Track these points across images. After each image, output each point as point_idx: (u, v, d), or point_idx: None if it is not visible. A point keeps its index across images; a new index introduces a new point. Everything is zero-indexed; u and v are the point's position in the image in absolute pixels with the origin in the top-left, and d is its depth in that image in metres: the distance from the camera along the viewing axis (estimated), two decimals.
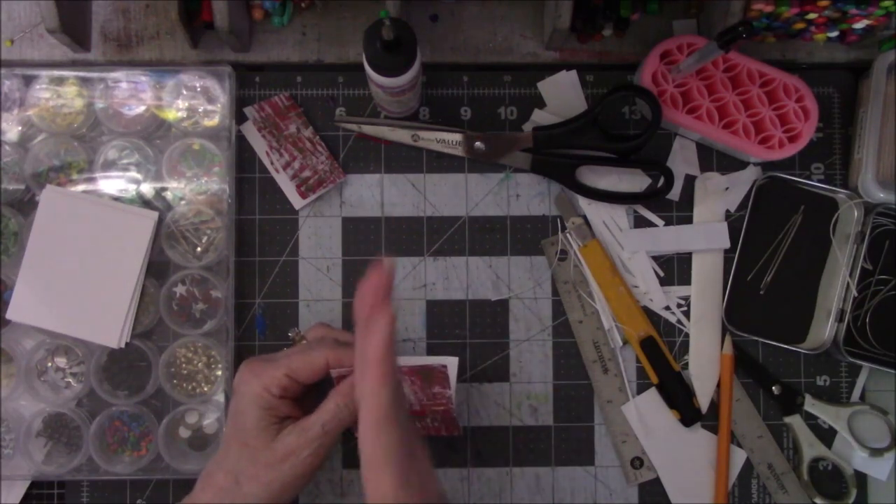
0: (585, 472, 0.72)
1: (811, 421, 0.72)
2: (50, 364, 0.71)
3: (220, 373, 0.70)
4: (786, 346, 0.72)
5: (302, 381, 0.61)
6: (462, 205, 0.74)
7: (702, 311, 0.73)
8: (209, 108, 0.72)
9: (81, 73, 0.71)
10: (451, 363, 0.62)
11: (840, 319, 0.71)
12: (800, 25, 0.70)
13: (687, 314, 0.73)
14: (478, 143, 0.72)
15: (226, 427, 0.62)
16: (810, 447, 0.72)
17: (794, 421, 0.72)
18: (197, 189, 0.71)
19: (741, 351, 0.73)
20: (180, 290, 0.71)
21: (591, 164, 0.72)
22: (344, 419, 0.60)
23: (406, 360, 0.62)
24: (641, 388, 0.73)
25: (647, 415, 0.72)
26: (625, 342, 0.72)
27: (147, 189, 0.71)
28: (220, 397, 0.70)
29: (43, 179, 0.71)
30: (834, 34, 0.72)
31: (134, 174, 0.71)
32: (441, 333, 0.73)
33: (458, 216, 0.74)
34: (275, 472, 0.58)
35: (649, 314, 0.73)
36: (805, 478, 0.71)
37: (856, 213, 0.72)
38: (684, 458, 0.72)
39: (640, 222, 0.74)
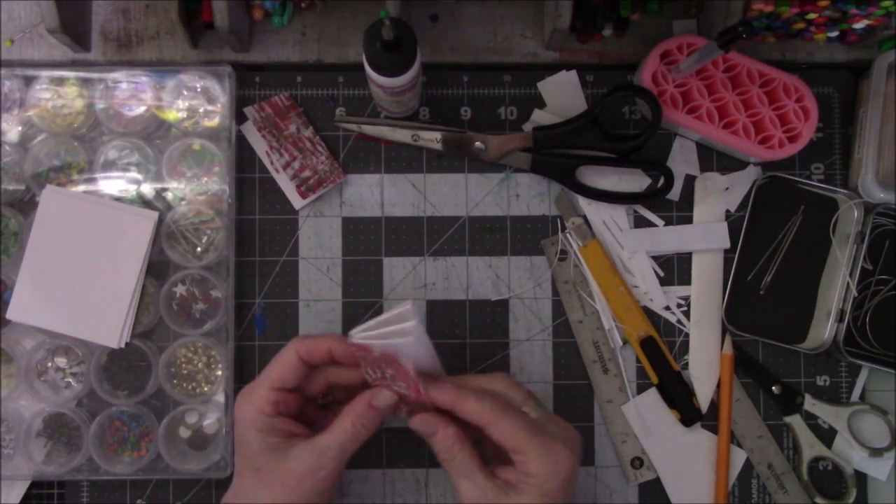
0: (585, 472, 0.72)
1: (811, 421, 0.72)
2: (50, 364, 0.71)
3: (220, 373, 0.70)
4: (786, 346, 0.72)
5: (289, 386, 0.60)
6: (462, 205, 0.74)
7: (702, 311, 0.73)
8: (209, 108, 0.72)
9: (81, 74, 0.71)
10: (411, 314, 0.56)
11: (840, 319, 0.71)
12: (800, 25, 0.70)
13: (687, 314, 0.73)
14: (478, 143, 0.72)
15: (235, 459, 0.62)
16: (810, 447, 0.72)
17: (794, 421, 0.72)
18: (197, 189, 0.71)
19: (741, 351, 0.73)
20: (180, 290, 0.71)
21: (591, 164, 0.72)
22: (360, 437, 0.59)
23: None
24: (641, 388, 0.73)
25: (647, 415, 0.72)
26: (625, 342, 0.72)
27: (147, 189, 0.71)
28: (220, 397, 0.70)
29: (43, 179, 0.71)
30: (834, 34, 0.72)
31: (134, 174, 0.71)
32: (441, 333, 0.73)
33: (458, 216, 0.74)
34: (293, 492, 0.58)
35: (649, 314, 0.73)
36: (805, 478, 0.71)
37: (856, 213, 0.72)
38: (684, 458, 0.72)
39: (640, 222, 0.74)
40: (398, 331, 0.56)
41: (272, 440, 0.59)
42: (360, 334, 0.56)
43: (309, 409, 0.64)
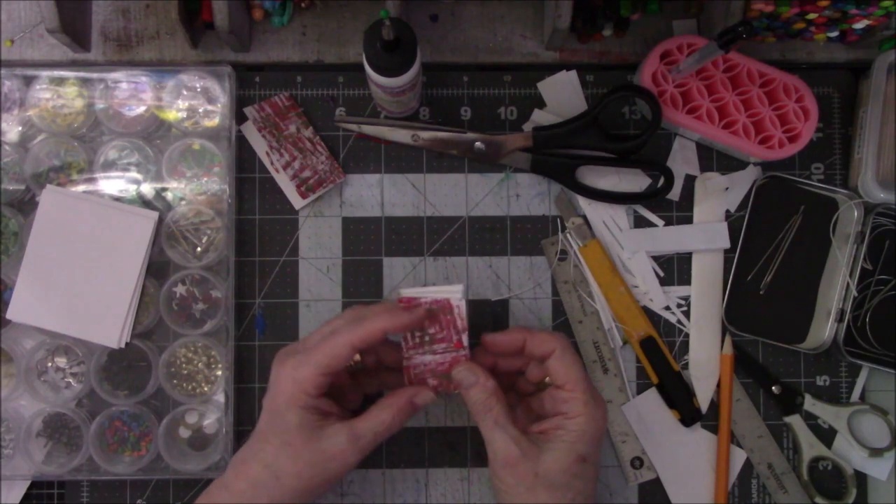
0: None
1: (811, 421, 0.72)
2: (50, 364, 0.71)
3: (220, 373, 0.70)
4: (786, 346, 0.72)
5: (336, 372, 0.61)
6: (462, 205, 0.74)
7: (702, 311, 0.73)
8: (209, 108, 0.72)
9: (81, 74, 0.71)
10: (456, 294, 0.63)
11: (840, 319, 0.71)
12: (800, 25, 0.70)
13: (687, 314, 0.73)
14: (478, 144, 0.72)
15: (260, 420, 0.63)
16: (810, 447, 0.72)
17: (794, 421, 0.72)
18: (197, 189, 0.71)
19: (741, 351, 0.73)
20: (180, 290, 0.71)
21: (591, 164, 0.72)
22: (394, 429, 0.62)
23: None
24: (641, 388, 0.73)
25: (647, 415, 0.72)
26: (625, 342, 0.72)
27: (147, 189, 0.71)
28: (220, 397, 0.70)
29: (43, 179, 0.71)
30: (834, 34, 0.72)
31: (134, 174, 0.71)
32: None
33: (458, 216, 0.74)
34: (319, 469, 0.60)
35: (649, 314, 0.73)
36: (805, 478, 0.71)
37: (856, 213, 0.72)
38: (684, 458, 0.72)
39: (640, 222, 0.74)
40: (448, 289, 0.63)
41: (310, 418, 0.60)
42: (409, 290, 0.63)
43: (339, 375, 0.65)
